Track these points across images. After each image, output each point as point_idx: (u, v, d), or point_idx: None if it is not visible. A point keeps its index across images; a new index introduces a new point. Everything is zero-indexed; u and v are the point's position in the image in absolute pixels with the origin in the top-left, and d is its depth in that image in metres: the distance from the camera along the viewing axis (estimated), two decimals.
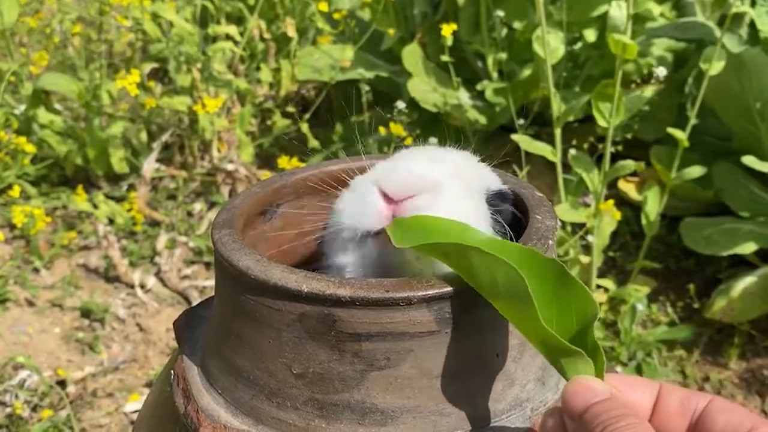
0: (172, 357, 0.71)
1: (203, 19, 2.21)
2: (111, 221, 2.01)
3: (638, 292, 1.67)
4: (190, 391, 0.62)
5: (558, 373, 0.64)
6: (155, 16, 2.02)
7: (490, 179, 0.69)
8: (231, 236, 0.62)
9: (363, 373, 0.55)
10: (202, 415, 0.59)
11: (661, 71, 1.57)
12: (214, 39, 2.15)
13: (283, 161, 1.91)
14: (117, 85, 1.92)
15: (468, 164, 0.68)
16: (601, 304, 1.69)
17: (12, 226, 1.99)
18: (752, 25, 1.72)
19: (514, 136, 1.61)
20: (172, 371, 0.65)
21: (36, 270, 1.89)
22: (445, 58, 1.86)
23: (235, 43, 2.15)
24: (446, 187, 0.61)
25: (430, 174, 0.61)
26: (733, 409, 0.48)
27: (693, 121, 1.55)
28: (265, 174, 2.08)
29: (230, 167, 2.07)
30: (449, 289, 0.54)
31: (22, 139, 2.00)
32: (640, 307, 1.67)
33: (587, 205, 1.65)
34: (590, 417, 0.47)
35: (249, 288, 0.57)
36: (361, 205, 0.61)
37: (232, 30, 2.13)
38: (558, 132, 1.57)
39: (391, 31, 2.17)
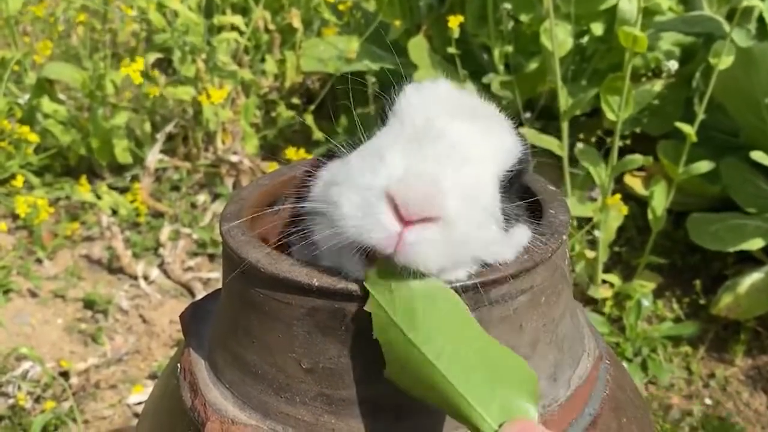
0: (179, 350, 0.70)
1: (208, 10, 2.20)
2: (114, 212, 2.00)
3: (644, 287, 1.67)
4: (197, 385, 0.61)
5: (570, 370, 0.63)
6: (160, 6, 2.00)
7: (511, 149, 0.60)
8: (240, 228, 0.61)
9: (373, 369, 0.54)
10: (209, 409, 0.58)
11: (673, 65, 1.55)
12: (219, 29, 2.13)
13: (290, 152, 1.90)
14: (121, 72, 1.91)
15: (494, 139, 0.59)
16: (606, 299, 1.68)
17: (15, 216, 1.99)
18: (761, 19, 1.71)
19: (521, 130, 1.60)
20: (178, 365, 0.65)
21: (39, 261, 1.89)
22: (451, 50, 1.85)
23: (240, 33, 2.14)
24: (461, 219, 0.52)
25: (450, 194, 0.52)
26: None
27: (701, 116, 1.54)
28: (271, 165, 2.07)
29: (234, 159, 2.06)
30: (457, 285, 0.54)
31: (26, 129, 2.00)
32: (646, 302, 1.66)
33: (594, 200, 1.64)
34: None
35: (258, 281, 0.56)
36: (367, 217, 0.52)
37: (238, 20, 2.12)
38: (565, 125, 1.56)
39: (397, 23, 2.16)
